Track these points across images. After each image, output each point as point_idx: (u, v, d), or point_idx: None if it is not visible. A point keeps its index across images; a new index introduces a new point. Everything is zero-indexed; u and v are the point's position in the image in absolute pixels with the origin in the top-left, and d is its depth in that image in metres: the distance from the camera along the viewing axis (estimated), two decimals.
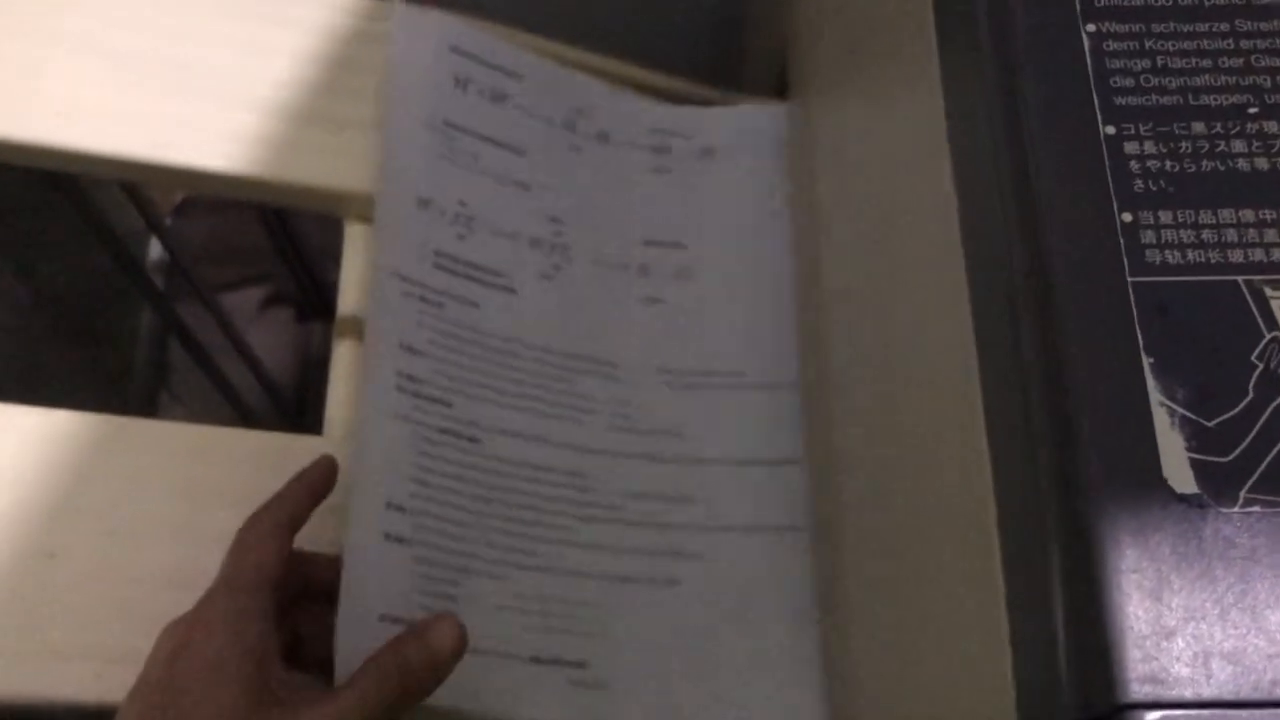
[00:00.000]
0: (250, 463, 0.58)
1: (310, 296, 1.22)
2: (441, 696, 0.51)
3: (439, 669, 0.48)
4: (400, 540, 0.54)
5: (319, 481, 0.53)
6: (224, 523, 0.55)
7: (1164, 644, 0.27)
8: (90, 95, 0.62)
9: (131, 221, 0.96)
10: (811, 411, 0.60)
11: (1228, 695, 0.27)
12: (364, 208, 0.63)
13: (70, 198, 0.83)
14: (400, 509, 0.55)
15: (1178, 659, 0.27)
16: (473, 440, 0.58)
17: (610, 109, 0.69)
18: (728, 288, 0.67)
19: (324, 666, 0.50)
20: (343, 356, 0.62)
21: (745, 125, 0.70)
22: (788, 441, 0.63)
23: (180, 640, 0.46)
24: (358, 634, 0.50)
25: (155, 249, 1.04)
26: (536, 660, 0.56)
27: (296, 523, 0.51)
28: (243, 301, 1.19)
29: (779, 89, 0.72)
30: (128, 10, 0.64)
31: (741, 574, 0.60)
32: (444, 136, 0.64)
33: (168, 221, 1.04)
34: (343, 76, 0.66)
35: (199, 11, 0.65)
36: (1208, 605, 0.28)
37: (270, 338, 1.20)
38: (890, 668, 0.44)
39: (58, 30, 0.62)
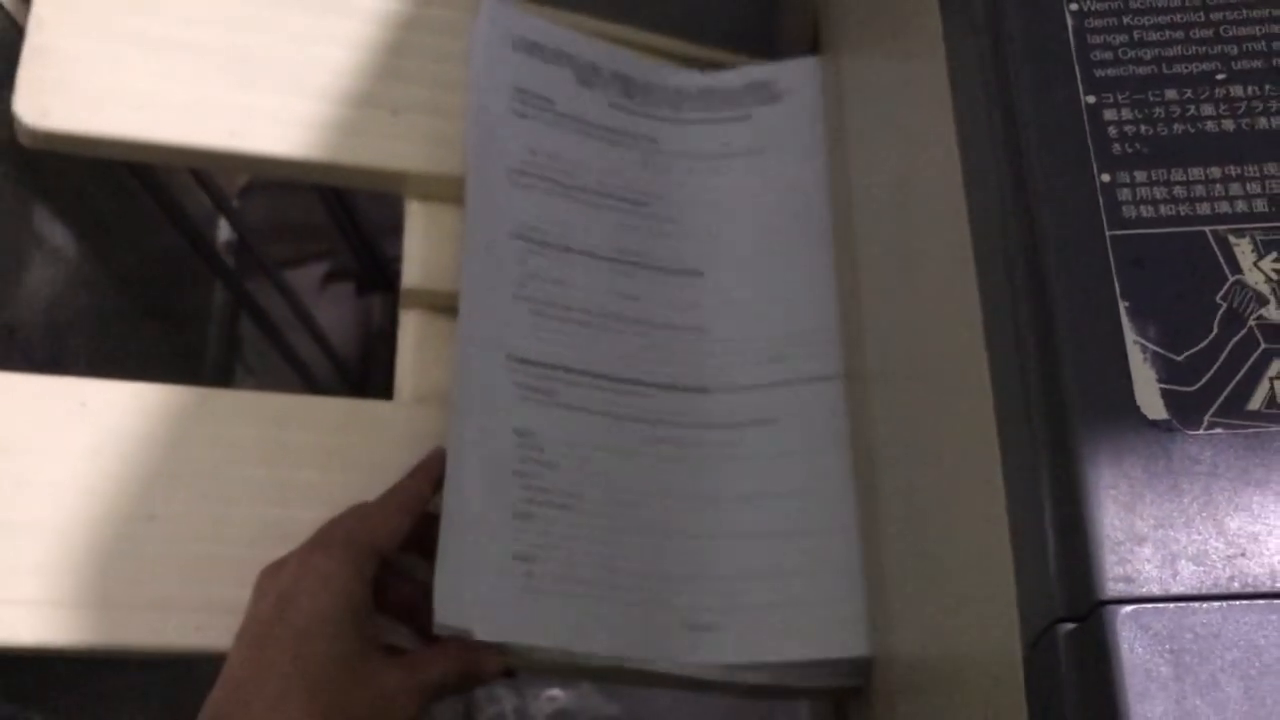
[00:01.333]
0: (329, 427, 0.60)
1: (369, 271, 1.24)
2: (560, 640, 0.56)
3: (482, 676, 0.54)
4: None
5: (435, 469, 0.57)
6: (308, 483, 0.58)
7: (1136, 549, 0.30)
8: (164, 89, 0.64)
9: (200, 204, 1.00)
10: (852, 392, 0.64)
11: (1191, 590, 0.30)
12: (423, 186, 0.66)
13: (144, 184, 0.86)
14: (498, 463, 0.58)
15: (1148, 561, 0.30)
16: (561, 393, 0.61)
17: (674, 89, 0.72)
18: (773, 273, 0.69)
19: (395, 611, 0.55)
20: (409, 325, 0.64)
21: (785, 125, 0.72)
22: None
23: (291, 587, 0.50)
24: (456, 579, 0.54)
25: (224, 230, 1.08)
26: (644, 602, 0.58)
27: (419, 509, 0.56)
28: (306, 277, 1.21)
29: (813, 54, 0.75)
30: (194, 7, 0.66)
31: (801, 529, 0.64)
32: (521, 105, 0.67)
33: (234, 203, 1.07)
34: (399, 61, 0.68)
35: (261, 4, 0.67)
36: (1175, 515, 0.31)
37: (333, 311, 1.23)
38: (918, 579, 0.48)
39: (131, 29, 0.64)
